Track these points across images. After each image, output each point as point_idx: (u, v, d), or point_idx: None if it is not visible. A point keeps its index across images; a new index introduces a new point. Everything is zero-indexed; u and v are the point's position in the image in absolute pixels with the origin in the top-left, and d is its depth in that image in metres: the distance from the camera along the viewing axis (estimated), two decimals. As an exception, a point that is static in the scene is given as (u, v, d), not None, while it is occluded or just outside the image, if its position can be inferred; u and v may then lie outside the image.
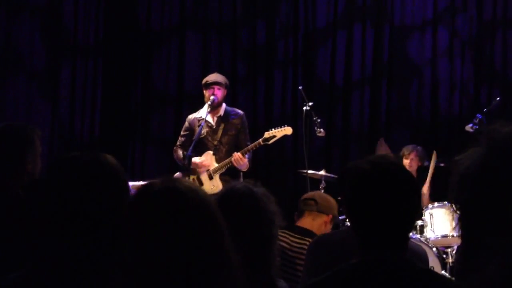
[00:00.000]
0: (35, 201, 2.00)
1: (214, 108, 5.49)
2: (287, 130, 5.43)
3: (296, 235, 3.14)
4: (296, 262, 3.09)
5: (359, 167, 1.78)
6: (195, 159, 5.45)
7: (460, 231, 1.23)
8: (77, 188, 1.67)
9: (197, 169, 5.47)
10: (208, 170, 5.49)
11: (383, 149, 5.81)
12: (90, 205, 1.62)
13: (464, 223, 1.22)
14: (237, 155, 5.30)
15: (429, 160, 6.08)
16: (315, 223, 3.40)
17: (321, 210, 3.43)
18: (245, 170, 5.45)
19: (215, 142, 5.53)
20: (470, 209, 1.20)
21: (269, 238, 2.10)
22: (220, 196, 2.18)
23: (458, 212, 1.25)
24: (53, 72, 6.82)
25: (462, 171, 1.23)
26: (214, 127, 5.55)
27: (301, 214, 3.47)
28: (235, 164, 5.32)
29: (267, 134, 5.42)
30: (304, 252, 3.06)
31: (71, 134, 6.92)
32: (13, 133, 2.90)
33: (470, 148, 1.28)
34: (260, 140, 5.40)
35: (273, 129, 5.45)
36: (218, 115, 5.55)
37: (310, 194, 3.69)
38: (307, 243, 3.13)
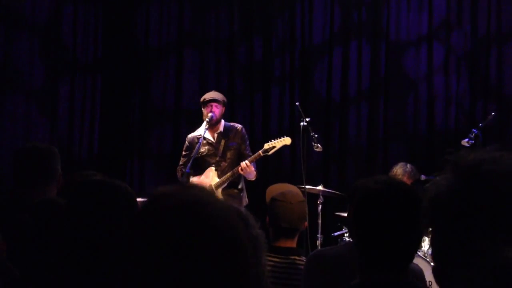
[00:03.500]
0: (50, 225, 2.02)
1: (212, 125, 5.55)
2: (286, 141, 5.51)
3: (280, 256, 3.07)
4: (285, 282, 3.04)
5: (366, 189, 1.78)
6: (193, 179, 5.50)
7: (432, 254, 1.28)
8: (93, 214, 1.70)
9: None
10: (210, 185, 5.54)
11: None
12: (105, 230, 1.63)
13: (436, 247, 1.27)
14: (243, 164, 5.36)
15: (424, 173, 6.10)
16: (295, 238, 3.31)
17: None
18: (253, 179, 5.50)
19: (217, 158, 5.59)
20: (441, 233, 1.25)
21: (257, 258, 2.08)
22: None
23: (430, 236, 1.29)
24: (52, 89, 6.85)
25: (431, 198, 1.28)
26: (215, 143, 5.61)
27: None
28: (242, 173, 5.38)
29: (266, 145, 5.48)
30: (291, 271, 3.03)
31: (70, 150, 6.94)
32: (46, 152, 3.08)
33: (439, 175, 1.33)
34: (260, 151, 5.46)
35: (272, 140, 5.51)
36: (218, 131, 5.62)
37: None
38: (295, 261, 3.07)
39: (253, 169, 5.44)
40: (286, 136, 5.56)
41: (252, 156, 5.46)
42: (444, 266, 1.24)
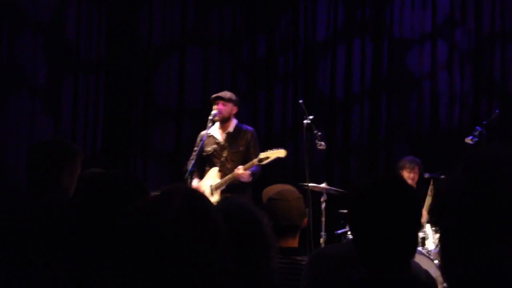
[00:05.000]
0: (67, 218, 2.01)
1: (222, 123, 5.55)
2: (281, 153, 5.47)
3: (282, 256, 3.05)
4: (286, 283, 3.03)
5: (362, 185, 1.78)
6: (194, 183, 5.50)
7: (440, 251, 1.28)
8: (107, 206, 1.70)
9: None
10: (210, 186, 5.54)
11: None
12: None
13: (444, 244, 1.27)
14: (237, 170, 5.35)
15: (428, 171, 6.10)
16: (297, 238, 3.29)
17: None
18: (246, 181, 5.48)
19: (222, 158, 5.58)
20: (450, 232, 1.25)
21: (267, 260, 2.08)
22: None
23: (439, 234, 1.29)
24: (55, 88, 6.86)
25: (441, 195, 1.27)
26: (222, 143, 5.60)
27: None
28: (237, 177, 5.38)
29: (262, 155, 5.48)
30: (293, 271, 2.99)
31: (73, 149, 6.94)
32: (55, 148, 2.92)
33: (449, 172, 1.32)
34: (255, 159, 5.46)
35: (268, 150, 5.50)
36: (227, 131, 5.61)
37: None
38: (297, 261, 3.07)
39: (248, 173, 5.42)
40: (282, 148, 5.53)
41: (248, 164, 5.46)
42: (452, 263, 1.24)
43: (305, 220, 3.19)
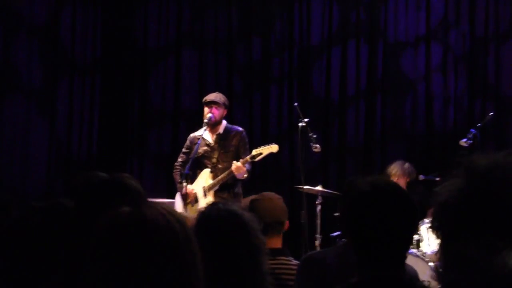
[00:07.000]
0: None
1: (212, 126, 5.58)
2: (273, 148, 5.52)
3: (268, 257, 3.08)
4: (278, 284, 3.05)
5: (359, 188, 1.82)
6: (188, 187, 5.51)
7: (441, 257, 1.29)
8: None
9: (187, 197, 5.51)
10: (203, 187, 5.56)
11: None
12: None
13: (444, 250, 1.28)
14: (235, 163, 5.37)
15: (422, 173, 6.12)
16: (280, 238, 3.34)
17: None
18: (242, 178, 5.49)
19: (213, 160, 5.60)
20: (451, 238, 1.26)
21: (258, 265, 2.10)
22: (201, 218, 2.15)
23: (440, 240, 1.30)
24: (50, 90, 6.86)
25: (442, 202, 1.28)
26: (212, 144, 5.63)
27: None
28: (235, 171, 5.39)
29: (254, 152, 5.51)
30: (280, 271, 3.03)
31: (69, 151, 6.95)
32: None
33: (450, 178, 1.33)
34: (248, 157, 5.48)
35: (261, 147, 5.53)
36: (217, 133, 5.64)
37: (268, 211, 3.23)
38: (283, 261, 3.09)
39: (245, 169, 5.45)
40: (274, 144, 5.56)
41: (242, 160, 5.48)
42: (453, 269, 1.25)
43: (287, 222, 3.25)
